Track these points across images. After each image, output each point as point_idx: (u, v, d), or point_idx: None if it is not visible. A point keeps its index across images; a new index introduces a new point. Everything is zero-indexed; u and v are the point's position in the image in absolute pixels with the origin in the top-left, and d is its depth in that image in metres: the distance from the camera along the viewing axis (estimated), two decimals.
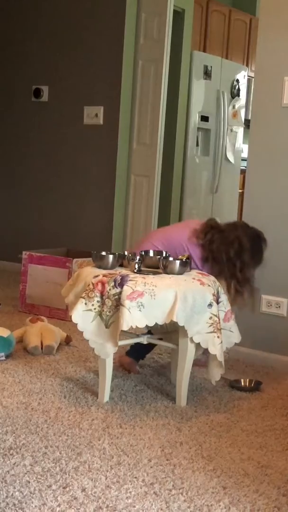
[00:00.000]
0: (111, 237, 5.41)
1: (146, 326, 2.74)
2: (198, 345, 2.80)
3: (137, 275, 2.72)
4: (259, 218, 3.46)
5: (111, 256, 2.84)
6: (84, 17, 5.44)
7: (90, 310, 2.69)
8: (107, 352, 2.69)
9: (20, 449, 2.27)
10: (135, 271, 2.78)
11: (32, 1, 5.72)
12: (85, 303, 2.69)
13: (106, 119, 5.40)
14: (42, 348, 3.40)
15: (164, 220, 5.57)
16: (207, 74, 6.20)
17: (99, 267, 2.83)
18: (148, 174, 5.38)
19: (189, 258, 2.90)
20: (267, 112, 3.42)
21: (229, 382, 3.09)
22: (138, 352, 3.21)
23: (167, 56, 5.28)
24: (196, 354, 2.87)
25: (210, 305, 2.75)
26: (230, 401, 2.89)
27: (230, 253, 3.00)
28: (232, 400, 2.90)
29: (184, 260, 2.84)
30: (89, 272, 2.79)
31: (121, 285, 2.64)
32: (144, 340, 2.99)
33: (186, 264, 2.83)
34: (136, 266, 2.80)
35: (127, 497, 1.99)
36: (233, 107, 6.60)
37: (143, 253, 2.93)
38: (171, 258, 2.84)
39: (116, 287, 2.65)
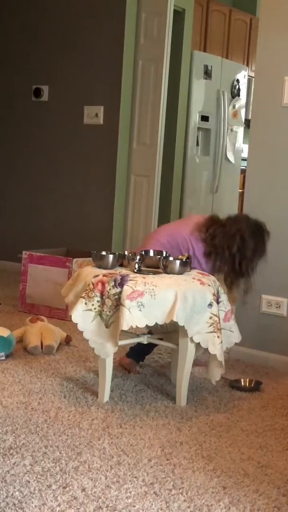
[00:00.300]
0: (111, 237, 5.41)
1: (146, 326, 2.74)
2: (198, 345, 2.79)
3: (137, 275, 2.72)
4: (258, 218, 3.45)
5: (111, 256, 2.84)
6: (84, 17, 5.44)
7: (90, 310, 2.69)
8: (107, 352, 2.69)
9: (20, 449, 2.27)
10: (135, 271, 2.78)
11: (33, 1, 5.71)
12: (85, 303, 2.69)
13: (106, 119, 5.40)
14: (42, 348, 3.40)
15: (164, 220, 5.57)
16: (207, 74, 6.20)
17: (99, 267, 2.83)
18: (148, 174, 5.38)
19: (189, 258, 2.90)
20: (267, 112, 3.41)
21: (229, 382, 3.09)
22: (138, 353, 3.20)
23: (167, 56, 5.28)
24: (196, 354, 2.87)
25: (210, 305, 2.74)
26: (230, 401, 2.89)
27: (233, 248, 2.99)
28: (232, 400, 2.90)
29: (184, 260, 2.84)
30: (89, 272, 2.79)
31: (121, 285, 2.64)
32: (144, 340, 2.99)
33: (186, 264, 2.83)
34: (136, 266, 2.80)
35: (127, 497, 1.99)
36: (233, 107, 6.60)
37: (143, 253, 2.93)
38: (171, 258, 2.84)
39: (116, 287, 2.64)
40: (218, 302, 2.80)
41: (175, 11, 5.37)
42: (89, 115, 5.47)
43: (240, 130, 6.76)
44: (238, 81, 6.65)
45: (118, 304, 2.62)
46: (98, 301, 2.68)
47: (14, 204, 5.92)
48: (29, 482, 2.04)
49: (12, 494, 1.96)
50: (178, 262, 2.80)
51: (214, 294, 2.78)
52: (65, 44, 5.57)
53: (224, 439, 2.47)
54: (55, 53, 5.62)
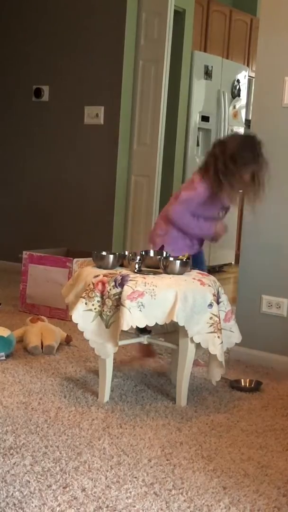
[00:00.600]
0: (112, 237, 5.41)
1: (146, 326, 2.74)
2: (198, 345, 2.79)
3: (138, 275, 2.72)
4: (259, 218, 3.45)
5: (111, 256, 2.84)
6: (84, 17, 5.44)
7: (91, 310, 2.69)
8: (107, 352, 2.69)
9: (20, 449, 2.27)
10: (135, 271, 2.78)
11: (33, 1, 5.72)
12: (86, 303, 2.69)
13: (107, 119, 5.40)
14: (42, 348, 3.40)
15: None
16: (207, 74, 6.20)
17: (100, 267, 2.83)
18: (148, 174, 5.39)
19: (189, 258, 2.90)
20: (267, 112, 3.41)
21: (229, 382, 3.09)
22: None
23: (167, 56, 5.29)
24: (196, 355, 2.87)
25: (210, 305, 2.74)
26: (230, 401, 2.89)
27: (219, 158, 3.09)
28: (232, 400, 2.90)
29: (184, 260, 2.84)
30: (89, 272, 2.79)
31: (122, 285, 2.64)
32: (144, 340, 2.99)
33: (187, 264, 2.83)
34: (136, 266, 2.80)
35: (127, 497, 1.99)
36: (234, 107, 6.60)
37: (143, 253, 2.93)
38: (171, 258, 2.84)
39: (117, 287, 2.65)
40: (218, 303, 2.80)
41: (175, 11, 5.37)
42: (90, 115, 5.47)
43: (241, 131, 6.76)
44: (238, 81, 6.65)
45: (118, 304, 2.63)
46: (98, 301, 2.68)
47: (15, 204, 5.92)
48: (29, 482, 2.04)
49: (12, 494, 1.96)
50: (178, 262, 2.80)
51: (214, 295, 2.78)
52: (66, 44, 5.57)
53: (224, 439, 2.47)
54: (55, 53, 5.63)
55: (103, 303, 2.68)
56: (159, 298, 2.64)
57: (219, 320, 2.78)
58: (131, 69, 5.36)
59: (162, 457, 2.28)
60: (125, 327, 2.58)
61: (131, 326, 2.60)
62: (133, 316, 2.59)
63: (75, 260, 4.14)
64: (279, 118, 3.38)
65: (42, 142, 5.75)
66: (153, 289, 2.64)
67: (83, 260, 4.12)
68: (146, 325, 2.71)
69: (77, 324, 2.71)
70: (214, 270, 6.27)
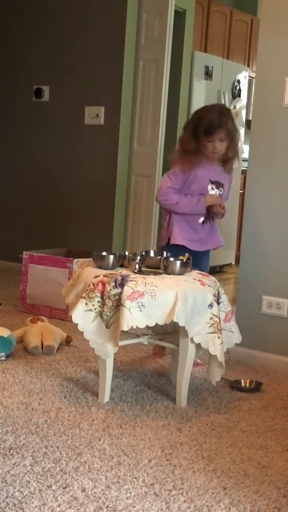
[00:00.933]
0: (112, 237, 5.41)
1: (147, 326, 2.74)
2: (198, 346, 2.79)
3: (138, 275, 2.72)
4: (259, 219, 3.46)
5: (111, 256, 2.84)
6: (85, 17, 5.44)
7: (91, 310, 2.69)
8: (108, 352, 2.69)
9: (20, 449, 2.27)
10: (135, 271, 2.78)
11: (33, 1, 5.72)
12: (86, 303, 2.69)
13: (107, 119, 5.40)
14: (42, 348, 3.40)
15: None
16: (208, 74, 6.20)
17: (100, 267, 2.83)
18: (148, 174, 5.39)
19: (189, 258, 2.90)
20: (268, 113, 3.41)
21: (229, 382, 3.09)
22: None
23: (168, 56, 5.29)
24: (196, 355, 2.87)
25: (210, 305, 2.74)
26: (230, 401, 2.89)
27: (189, 123, 3.24)
28: (233, 401, 2.90)
29: (184, 260, 2.84)
30: (89, 272, 2.79)
31: (122, 285, 2.64)
32: (144, 340, 2.99)
33: (187, 265, 2.83)
34: (137, 266, 2.80)
35: (127, 498, 1.99)
36: (234, 107, 6.59)
37: (143, 253, 2.93)
38: (171, 259, 2.84)
39: (117, 287, 2.64)
40: (218, 303, 2.80)
41: (176, 12, 5.37)
42: (90, 116, 5.47)
43: (241, 131, 6.74)
44: (238, 81, 6.65)
45: (118, 304, 2.63)
46: (98, 302, 2.68)
47: (15, 204, 5.92)
48: (29, 482, 2.04)
49: (12, 494, 1.96)
50: (178, 262, 2.80)
51: (214, 295, 2.78)
52: (66, 45, 5.57)
53: (224, 440, 2.47)
54: (56, 53, 5.63)
55: (103, 303, 2.68)
56: (159, 298, 2.64)
57: (219, 320, 2.78)
58: (132, 69, 5.36)
59: (162, 458, 2.28)
60: (125, 327, 2.58)
61: (131, 326, 2.60)
62: (133, 317, 2.59)
63: (75, 260, 4.14)
64: (280, 119, 3.38)
65: (43, 143, 5.74)
66: (153, 290, 2.64)
67: (83, 261, 4.12)
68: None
69: (77, 324, 2.71)
70: (214, 271, 6.27)
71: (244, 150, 6.77)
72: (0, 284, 5.15)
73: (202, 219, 3.27)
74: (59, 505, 1.91)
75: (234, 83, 6.60)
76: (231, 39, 6.94)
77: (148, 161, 5.37)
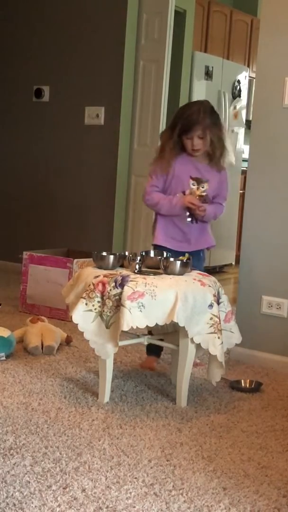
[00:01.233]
0: (112, 237, 5.41)
1: (147, 326, 2.74)
2: (198, 346, 2.79)
3: (138, 275, 2.72)
4: (259, 219, 3.46)
5: (111, 257, 2.84)
6: (85, 17, 5.44)
7: (91, 310, 2.69)
8: (108, 352, 2.69)
9: (20, 449, 2.27)
10: (135, 271, 2.78)
11: (33, 2, 5.72)
12: (86, 304, 2.69)
13: (107, 120, 5.40)
14: (42, 348, 3.40)
15: None
16: (208, 74, 6.20)
17: (100, 267, 2.83)
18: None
19: (189, 258, 2.90)
20: (268, 113, 3.41)
21: (229, 383, 3.09)
22: (156, 348, 3.25)
23: (168, 57, 5.29)
24: (197, 355, 2.87)
25: (210, 305, 2.74)
26: (230, 402, 2.89)
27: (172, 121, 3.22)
28: (233, 401, 2.90)
29: (185, 260, 2.84)
30: (89, 273, 2.79)
31: (122, 285, 2.64)
32: (144, 340, 2.99)
33: (187, 265, 2.83)
34: (137, 266, 2.80)
35: (127, 498, 1.99)
36: (234, 107, 6.60)
37: (143, 253, 2.93)
38: (171, 259, 2.84)
39: (117, 288, 2.64)
40: (218, 303, 2.80)
41: (176, 12, 5.37)
42: (90, 116, 5.47)
43: (241, 131, 6.76)
44: (239, 82, 6.65)
45: (118, 304, 2.62)
46: (98, 302, 2.68)
47: (15, 204, 5.92)
48: (29, 482, 2.04)
49: (12, 494, 1.96)
50: (178, 262, 2.80)
51: (214, 295, 2.78)
52: (66, 45, 5.57)
53: (225, 440, 2.47)
54: (56, 53, 5.63)
55: (103, 303, 2.68)
56: (159, 298, 2.64)
57: (220, 320, 2.78)
58: (132, 70, 5.36)
59: (162, 458, 2.28)
60: (125, 327, 2.58)
61: (131, 326, 2.60)
62: (133, 317, 2.59)
63: (75, 260, 4.14)
64: (280, 119, 3.38)
65: (43, 143, 5.74)
66: (153, 290, 2.64)
67: (84, 261, 4.12)
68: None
69: (77, 324, 2.71)
70: (214, 271, 6.27)
71: (244, 150, 6.78)
72: (0, 284, 5.15)
73: (189, 218, 3.17)
74: (59, 505, 1.91)
75: (234, 83, 6.60)
76: (231, 39, 6.94)
77: (148, 161, 5.34)
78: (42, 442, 2.34)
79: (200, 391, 3.00)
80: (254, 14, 7.16)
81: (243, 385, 3.07)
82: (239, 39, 7.06)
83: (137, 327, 2.62)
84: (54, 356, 3.39)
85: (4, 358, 3.24)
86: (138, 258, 2.84)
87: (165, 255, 2.95)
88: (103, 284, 2.68)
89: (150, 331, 3.04)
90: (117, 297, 2.63)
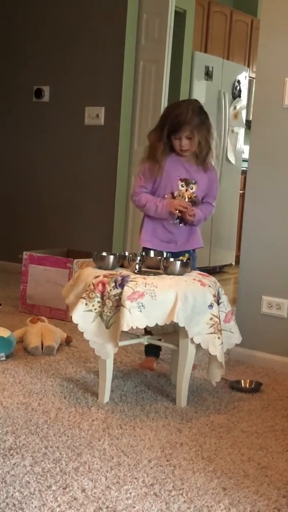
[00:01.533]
0: (112, 238, 5.41)
1: (146, 326, 2.74)
2: (198, 346, 2.79)
3: (138, 275, 2.72)
4: (259, 219, 3.46)
5: (111, 257, 2.84)
6: (85, 17, 5.44)
7: (91, 310, 2.69)
8: (108, 352, 2.69)
9: (20, 450, 2.27)
10: (135, 271, 2.78)
11: (34, 2, 5.72)
12: (86, 304, 2.69)
13: (107, 120, 5.40)
14: (42, 349, 3.40)
15: None
16: (208, 74, 6.20)
17: (100, 267, 2.83)
18: None
19: (189, 258, 2.90)
20: (268, 113, 3.41)
21: (229, 383, 3.09)
22: (154, 349, 3.25)
23: (168, 57, 5.29)
24: (196, 355, 2.87)
25: (210, 306, 2.74)
26: (230, 402, 2.89)
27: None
28: (233, 401, 2.90)
29: (185, 261, 2.84)
30: (89, 273, 2.79)
31: (122, 285, 2.64)
32: (144, 340, 2.99)
33: (187, 265, 2.83)
34: (137, 266, 2.80)
35: (127, 498, 1.99)
36: (234, 108, 6.60)
37: (143, 253, 2.93)
38: (171, 259, 2.84)
39: (117, 288, 2.64)
40: (218, 303, 2.80)
41: (176, 12, 5.37)
42: (90, 116, 5.47)
43: (241, 131, 6.76)
44: (239, 82, 6.65)
45: (118, 304, 2.62)
46: (98, 302, 2.68)
47: (15, 204, 5.92)
48: (29, 482, 2.04)
49: (12, 494, 1.96)
50: (178, 263, 2.80)
51: (214, 295, 2.78)
52: (66, 45, 5.57)
53: (224, 440, 2.47)
54: (56, 53, 5.63)
55: (103, 303, 2.68)
56: (159, 298, 2.64)
57: (219, 320, 2.78)
58: (132, 70, 5.37)
59: (162, 458, 2.28)
60: (125, 327, 2.58)
61: (131, 326, 2.60)
62: (133, 317, 2.59)
63: (75, 260, 4.14)
64: (280, 119, 3.38)
65: (43, 143, 5.75)
66: (153, 290, 2.64)
67: (84, 261, 4.12)
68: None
69: (77, 324, 2.71)
70: (214, 271, 6.27)
71: (244, 150, 6.78)
72: (0, 284, 5.15)
73: (177, 220, 3.12)
74: (59, 506, 1.91)
75: (234, 84, 6.60)
76: (231, 40, 6.94)
77: None
78: (42, 442, 2.34)
79: (200, 391, 3.00)
80: (254, 14, 7.16)
81: (243, 385, 3.07)
82: (239, 39, 7.06)
83: (137, 327, 2.62)
84: (54, 356, 3.39)
85: (4, 358, 3.24)
86: (138, 258, 2.84)
87: (165, 255, 2.95)
88: (103, 284, 2.68)
89: (149, 331, 3.04)
90: (117, 297, 2.64)
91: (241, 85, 6.68)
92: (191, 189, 3.11)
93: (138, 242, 3.23)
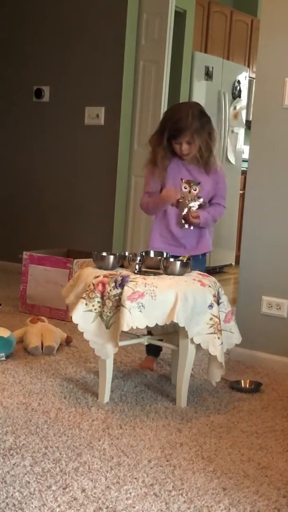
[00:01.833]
0: (112, 238, 5.41)
1: (147, 326, 2.74)
2: (198, 346, 2.79)
3: (138, 275, 2.72)
4: (259, 219, 3.46)
5: (111, 257, 2.84)
6: (85, 17, 5.44)
7: (91, 310, 2.69)
8: (108, 352, 2.69)
9: (20, 450, 2.27)
10: (135, 271, 2.78)
11: (34, 2, 5.72)
12: (86, 304, 2.69)
13: (107, 120, 5.40)
14: (42, 349, 3.40)
15: None
16: (208, 75, 6.20)
17: (100, 267, 2.83)
18: None
19: (189, 258, 2.90)
20: (268, 113, 3.41)
21: (229, 383, 3.09)
22: (154, 349, 3.25)
23: (168, 57, 5.29)
24: (196, 355, 2.87)
25: (210, 306, 2.74)
26: (230, 402, 2.89)
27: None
28: (232, 401, 2.90)
29: (184, 261, 2.84)
30: (89, 273, 2.79)
31: (122, 285, 2.64)
32: (144, 341, 2.99)
33: (187, 265, 2.83)
34: (137, 266, 2.80)
35: (127, 498, 1.99)
36: (234, 108, 6.60)
37: (143, 253, 2.93)
38: (171, 259, 2.84)
39: (117, 288, 2.64)
40: (218, 303, 2.80)
41: (176, 12, 5.37)
42: (90, 116, 5.47)
43: (241, 132, 6.76)
44: (239, 82, 6.65)
45: (118, 305, 2.63)
46: (98, 302, 2.68)
47: (15, 203, 5.92)
48: (29, 482, 2.04)
49: (12, 494, 1.96)
50: (178, 263, 2.80)
51: (214, 295, 2.78)
52: (66, 45, 5.57)
53: (224, 440, 2.47)
54: (56, 53, 5.63)
55: (103, 303, 2.68)
56: (159, 299, 2.64)
57: (219, 321, 2.78)
58: (132, 70, 5.36)
59: (162, 458, 2.28)
60: (125, 327, 2.58)
61: (131, 327, 2.60)
62: (133, 317, 2.59)
63: (75, 260, 4.14)
64: (280, 119, 3.38)
65: (43, 143, 5.74)
66: (153, 290, 2.64)
67: (84, 261, 4.12)
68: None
69: (77, 324, 2.71)
70: (214, 271, 6.27)
71: (244, 150, 6.78)
72: (0, 284, 5.15)
73: (183, 221, 3.10)
74: (59, 506, 1.91)
75: (234, 84, 6.60)
76: (231, 40, 6.94)
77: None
78: (42, 443, 2.34)
79: (200, 391, 3.00)
80: (254, 14, 7.16)
81: (243, 385, 3.07)
82: (239, 39, 7.06)
83: (137, 327, 2.62)
84: (54, 356, 3.39)
85: (4, 358, 3.24)
86: (138, 258, 2.84)
87: (165, 255, 2.95)
88: (103, 284, 2.68)
89: (149, 331, 3.04)
90: (117, 297, 2.64)
91: (241, 85, 6.68)
92: (195, 190, 3.10)
93: (140, 244, 3.23)
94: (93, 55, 5.42)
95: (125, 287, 2.62)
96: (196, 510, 1.95)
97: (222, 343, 2.77)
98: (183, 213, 3.08)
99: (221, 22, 6.79)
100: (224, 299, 2.87)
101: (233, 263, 6.74)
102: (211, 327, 2.74)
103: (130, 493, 2.02)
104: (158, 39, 5.27)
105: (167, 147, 3.08)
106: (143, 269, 2.82)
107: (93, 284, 2.70)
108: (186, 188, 3.10)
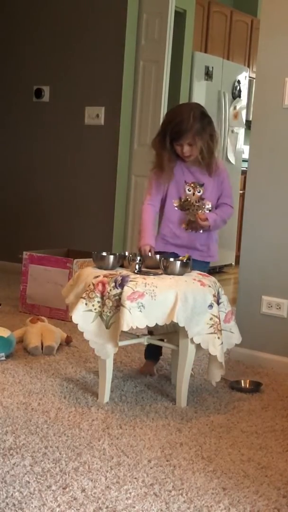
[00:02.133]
0: (112, 237, 5.41)
1: (147, 326, 2.74)
2: (198, 346, 2.79)
3: (138, 275, 2.72)
4: (259, 219, 3.46)
5: (111, 257, 2.84)
6: (85, 17, 5.44)
7: (91, 310, 2.69)
8: (108, 352, 2.69)
9: (20, 450, 2.27)
10: (135, 271, 2.78)
11: (34, 2, 5.72)
12: (86, 304, 2.69)
13: (107, 120, 5.40)
14: (42, 348, 3.40)
15: None
16: (208, 75, 6.20)
17: (100, 267, 2.83)
18: (148, 175, 5.38)
19: (189, 259, 2.90)
20: (268, 113, 3.41)
21: (229, 383, 3.09)
22: (154, 352, 3.22)
23: (168, 57, 5.29)
24: (196, 355, 2.87)
25: (210, 306, 2.74)
26: (230, 402, 2.89)
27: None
28: (232, 401, 2.90)
29: (184, 261, 2.84)
30: (89, 273, 2.79)
31: (122, 285, 2.64)
32: (144, 341, 2.99)
33: (187, 265, 2.83)
34: (137, 266, 2.80)
35: (127, 498, 1.99)
36: (234, 108, 6.60)
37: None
38: (171, 259, 2.84)
39: (117, 288, 2.64)
40: (218, 303, 2.80)
41: (176, 12, 5.37)
42: (90, 116, 5.47)
43: (241, 131, 6.76)
44: (239, 82, 6.65)
45: (118, 304, 2.62)
46: (98, 302, 2.68)
47: (15, 203, 5.92)
48: (29, 482, 2.04)
49: (12, 494, 1.96)
50: (178, 263, 2.80)
51: (214, 295, 2.78)
52: (66, 45, 5.57)
53: (224, 440, 2.47)
54: (56, 53, 5.63)
55: (103, 303, 2.68)
56: (159, 298, 2.64)
57: (219, 321, 2.78)
58: (132, 70, 5.37)
59: (162, 458, 2.28)
60: (125, 327, 2.58)
61: (131, 326, 2.60)
62: (133, 317, 2.59)
63: (75, 260, 4.14)
64: (280, 119, 3.38)
65: (43, 143, 5.75)
66: (153, 290, 2.64)
67: (83, 261, 4.12)
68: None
69: (77, 324, 2.71)
70: (214, 271, 6.27)
71: (244, 150, 6.79)
72: (0, 284, 5.15)
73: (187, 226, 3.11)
74: (58, 506, 1.91)
75: (234, 84, 6.60)
76: (231, 40, 6.94)
77: (147, 161, 5.36)
78: (42, 442, 2.34)
79: (200, 391, 3.00)
80: (254, 14, 7.16)
81: (243, 385, 3.07)
82: (239, 39, 7.06)
83: (137, 327, 2.62)
84: (54, 356, 3.39)
85: (4, 358, 3.24)
86: (138, 258, 2.84)
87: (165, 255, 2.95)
88: (103, 284, 2.68)
89: (150, 332, 3.04)
90: (117, 297, 2.64)
91: (241, 85, 6.68)
92: (199, 192, 3.10)
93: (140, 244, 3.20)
94: (93, 55, 5.42)
95: (125, 287, 2.62)
96: (196, 510, 1.95)
97: (222, 343, 2.77)
98: (189, 217, 3.08)
99: (221, 22, 6.79)
100: (224, 299, 2.87)
101: (233, 263, 6.74)
102: (211, 327, 2.74)
103: (130, 493, 2.02)
104: (158, 39, 5.27)
105: (170, 150, 3.06)
106: (143, 269, 2.82)
107: (93, 284, 2.70)
108: (189, 191, 3.09)
